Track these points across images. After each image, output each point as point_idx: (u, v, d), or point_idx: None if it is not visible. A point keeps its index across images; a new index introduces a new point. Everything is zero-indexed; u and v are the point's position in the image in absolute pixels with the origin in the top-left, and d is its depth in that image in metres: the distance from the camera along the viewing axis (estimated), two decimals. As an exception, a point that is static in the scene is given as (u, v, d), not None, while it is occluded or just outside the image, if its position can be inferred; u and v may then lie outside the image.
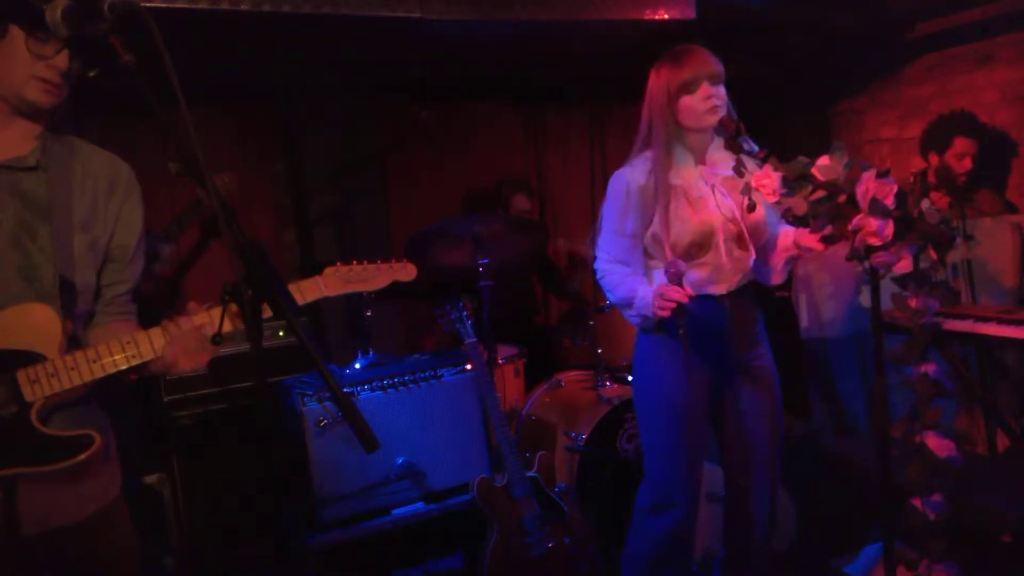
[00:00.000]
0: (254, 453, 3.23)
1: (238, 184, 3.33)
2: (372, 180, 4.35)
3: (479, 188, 4.81)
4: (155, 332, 1.54)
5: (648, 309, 2.25)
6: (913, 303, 2.07)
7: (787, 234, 2.36)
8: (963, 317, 2.91)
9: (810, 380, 4.03)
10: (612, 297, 2.44)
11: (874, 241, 1.91)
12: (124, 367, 1.53)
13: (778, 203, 2.06)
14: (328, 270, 1.75)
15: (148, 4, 2.60)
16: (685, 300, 2.14)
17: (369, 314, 3.38)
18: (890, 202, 1.89)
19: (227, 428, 3.33)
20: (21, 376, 1.47)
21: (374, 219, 4.33)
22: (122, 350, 1.52)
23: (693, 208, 2.31)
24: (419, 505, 3.01)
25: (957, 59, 4.49)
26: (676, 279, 2.17)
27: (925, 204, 1.98)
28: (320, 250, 4.28)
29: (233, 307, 1.49)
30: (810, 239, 2.18)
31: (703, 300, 2.34)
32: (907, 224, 1.92)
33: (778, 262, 2.40)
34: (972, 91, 4.42)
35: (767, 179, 2.04)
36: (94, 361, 1.50)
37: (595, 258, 2.48)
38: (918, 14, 4.36)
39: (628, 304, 2.37)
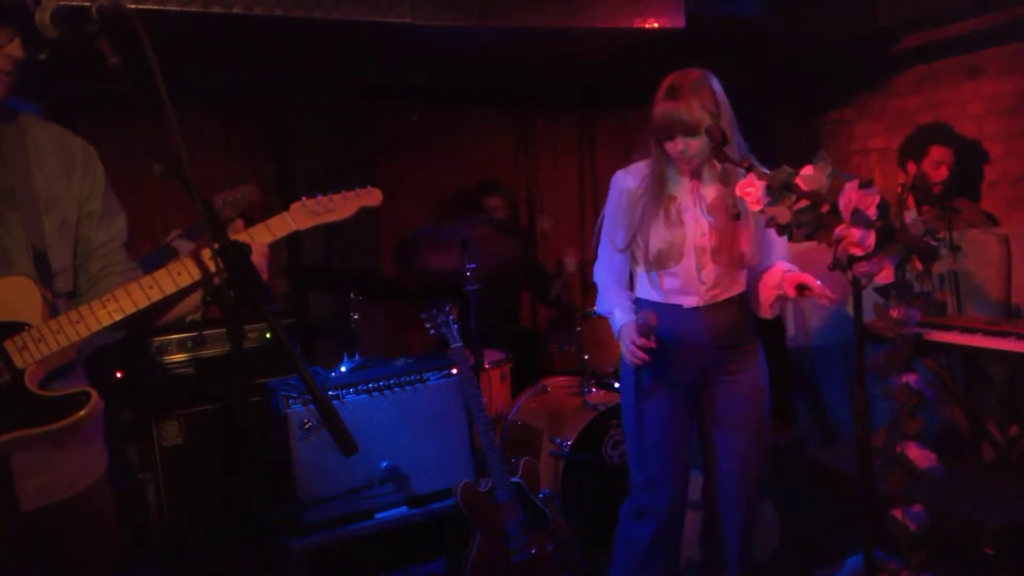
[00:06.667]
0: (238, 455, 3.22)
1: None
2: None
3: (464, 191, 4.82)
4: (132, 287, 1.54)
5: (622, 345, 2.35)
6: (895, 314, 2.07)
7: (776, 273, 2.36)
8: (949, 328, 2.92)
9: (796, 389, 4.05)
10: (598, 306, 2.54)
11: (856, 251, 1.91)
12: (108, 323, 1.52)
13: (762, 211, 2.06)
14: (294, 205, 1.73)
15: (139, 6, 2.60)
16: (646, 357, 2.23)
17: (356, 316, 3.37)
18: (872, 212, 1.89)
19: (212, 429, 3.32)
20: (8, 345, 1.48)
21: (364, 223, 4.33)
22: (103, 306, 1.52)
23: (668, 218, 2.34)
24: (403, 509, 3.01)
25: (944, 71, 4.53)
26: (645, 331, 2.24)
27: (909, 216, 1.99)
28: (310, 254, 4.27)
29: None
30: (788, 285, 2.24)
31: (675, 309, 2.38)
32: (889, 235, 1.93)
33: (766, 299, 2.39)
34: (959, 103, 4.46)
35: (751, 188, 2.04)
36: (77, 321, 1.51)
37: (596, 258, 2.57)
38: (906, 27, 4.39)
39: (608, 316, 2.48)
